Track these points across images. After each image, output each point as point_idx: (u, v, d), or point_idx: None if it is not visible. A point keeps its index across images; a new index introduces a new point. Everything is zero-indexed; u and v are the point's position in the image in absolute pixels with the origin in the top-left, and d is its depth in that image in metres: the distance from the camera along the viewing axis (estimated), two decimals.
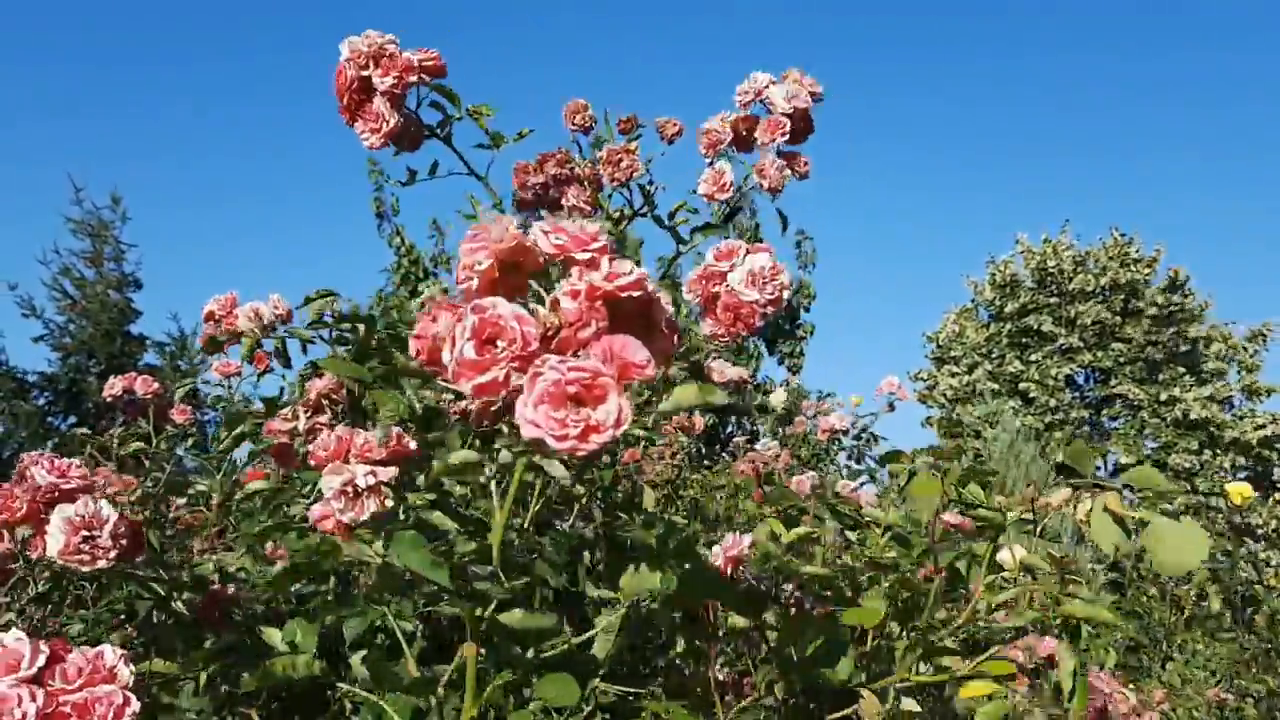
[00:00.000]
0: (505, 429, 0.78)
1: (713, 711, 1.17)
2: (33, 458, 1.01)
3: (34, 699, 0.71)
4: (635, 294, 0.63)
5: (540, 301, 0.65)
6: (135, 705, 0.75)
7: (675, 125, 1.66)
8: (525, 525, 1.25)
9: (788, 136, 1.49)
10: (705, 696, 1.26)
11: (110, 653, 0.77)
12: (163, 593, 1.14)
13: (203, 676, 1.07)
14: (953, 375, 15.11)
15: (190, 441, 2.20)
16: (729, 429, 9.44)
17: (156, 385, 1.95)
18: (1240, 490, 3.50)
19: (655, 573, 0.76)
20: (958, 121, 29.61)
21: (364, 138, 1.30)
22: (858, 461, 4.25)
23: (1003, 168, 29.09)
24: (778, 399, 6.41)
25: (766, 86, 1.50)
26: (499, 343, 0.60)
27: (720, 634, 1.30)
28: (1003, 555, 0.87)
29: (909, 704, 1.01)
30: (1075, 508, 0.80)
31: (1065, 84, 28.00)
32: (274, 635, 0.93)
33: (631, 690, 1.03)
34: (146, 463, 1.83)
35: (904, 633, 0.98)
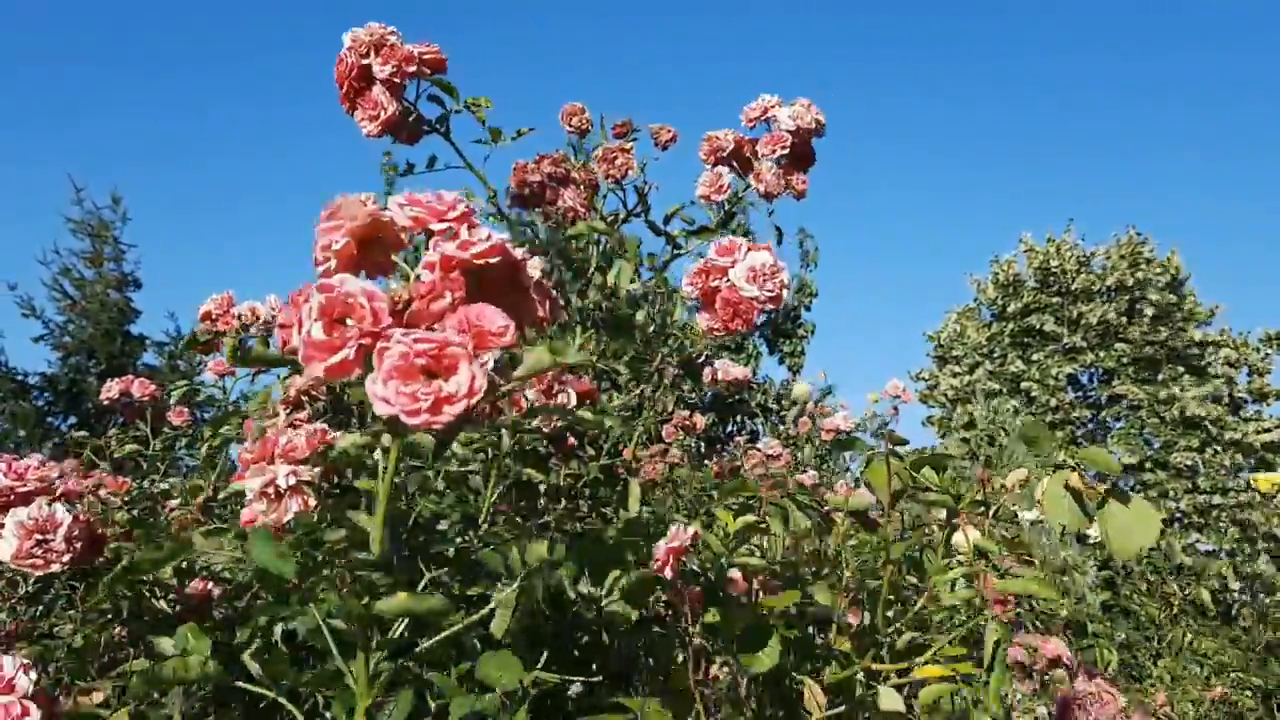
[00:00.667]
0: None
1: (694, 709, 1.17)
2: None
3: None
4: (493, 260, 0.61)
5: (408, 280, 0.62)
6: (35, 714, 0.75)
7: (669, 132, 1.68)
8: (482, 520, 1.23)
9: (787, 151, 1.51)
10: (687, 695, 1.26)
11: (9, 663, 0.77)
12: (145, 592, 1.13)
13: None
14: (954, 375, 15.09)
15: (185, 442, 2.21)
16: (729, 428, 9.45)
17: (153, 388, 1.96)
18: (1270, 479, 3.48)
19: (543, 543, 0.74)
20: (961, 120, 29.58)
21: (362, 125, 1.32)
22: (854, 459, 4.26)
23: (1006, 167, 29.06)
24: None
25: (773, 107, 1.53)
26: (349, 320, 0.58)
27: (691, 632, 1.30)
28: (957, 538, 0.88)
29: (890, 699, 1.00)
30: (1037, 488, 0.81)
31: (1068, 83, 27.96)
32: (165, 643, 0.88)
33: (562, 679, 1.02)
34: (143, 464, 1.84)
35: (865, 622, 0.99)
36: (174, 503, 1.68)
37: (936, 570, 0.86)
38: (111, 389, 1.94)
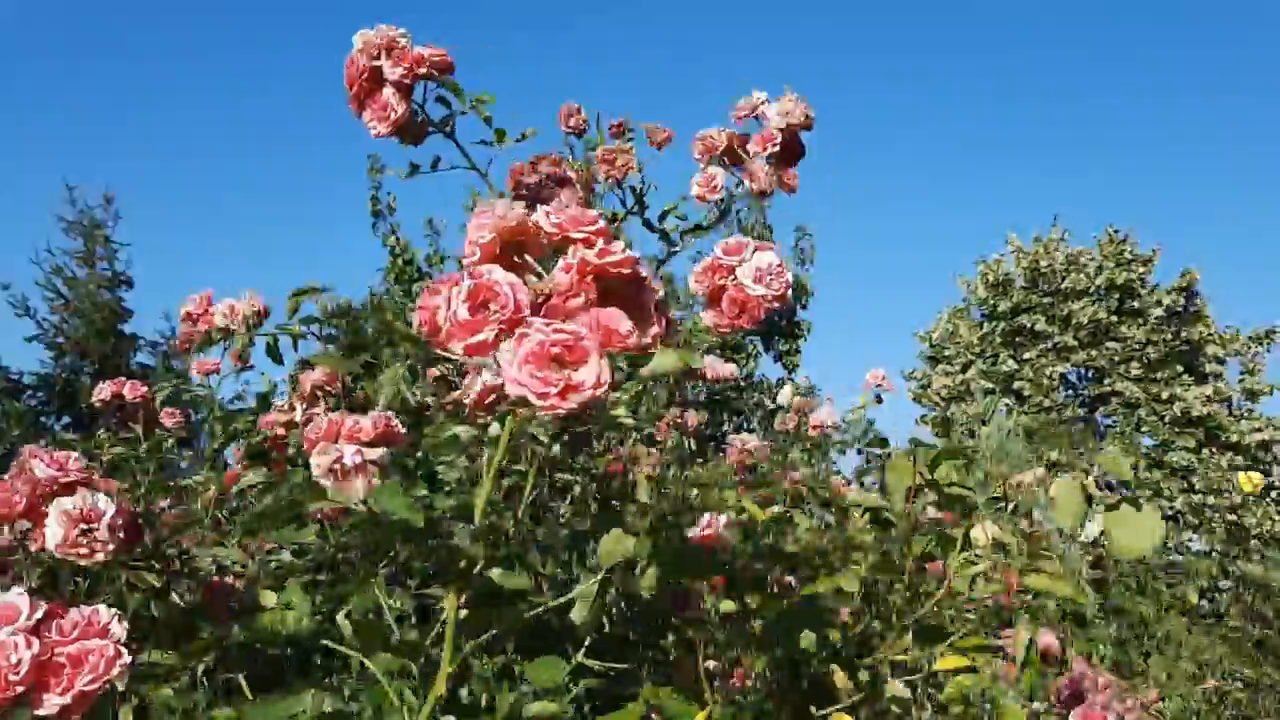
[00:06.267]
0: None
1: (702, 699, 1.19)
2: (33, 451, 1.01)
3: (29, 646, 0.75)
4: (625, 271, 0.66)
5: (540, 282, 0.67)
6: (126, 657, 0.79)
7: (664, 132, 1.70)
8: (519, 516, 1.27)
9: (778, 149, 1.52)
10: (695, 685, 1.28)
11: (104, 611, 0.82)
12: (157, 584, 1.15)
13: (200, 668, 1.09)
14: (946, 374, 15.15)
15: (172, 442, 2.20)
16: (722, 427, 9.49)
17: (144, 390, 1.95)
18: (1250, 478, 3.50)
19: (631, 539, 0.78)
20: (957, 118, 29.63)
21: (371, 127, 1.32)
22: (840, 454, 4.32)
23: (1001, 164, 29.11)
24: (786, 395, 6.38)
25: (763, 103, 1.54)
26: (491, 306, 0.63)
27: (711, 620, 1.33)
28: (975, 533, 0.90)
29: (896, 687, 1.03)
30: (1048, 487, 0.83)
31: (1061, 80, 28.07)
32: (269, 596, 0.96)
33: (615, 666, 1.04)
34: (134, 466, 1.84)
35: (884, 614, 1.01)
36: (164, 502, 1.70)
37: (958, 566, 0.88)
38: (103, 391, 1.93)
